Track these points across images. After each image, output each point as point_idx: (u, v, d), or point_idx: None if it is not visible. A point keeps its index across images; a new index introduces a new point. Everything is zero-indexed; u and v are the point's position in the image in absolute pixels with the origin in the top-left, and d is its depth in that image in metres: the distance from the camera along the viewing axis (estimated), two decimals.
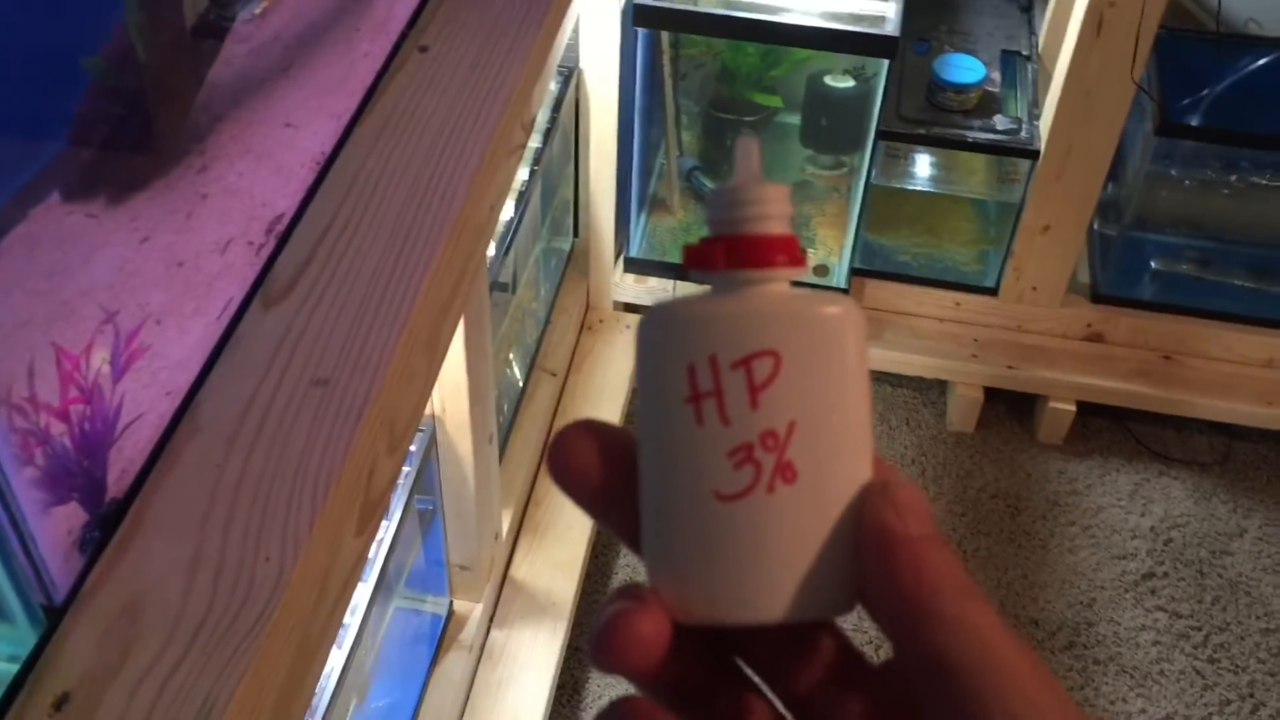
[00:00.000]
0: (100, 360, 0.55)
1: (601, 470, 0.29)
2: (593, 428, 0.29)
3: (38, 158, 0.54)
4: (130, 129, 0.61)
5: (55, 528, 0.52)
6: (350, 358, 0.63)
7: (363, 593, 1.00)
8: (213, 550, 0.54)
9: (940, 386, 1.73)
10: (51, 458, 0.51)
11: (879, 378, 1.72)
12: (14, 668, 0.50)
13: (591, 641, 0.28)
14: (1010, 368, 1.63)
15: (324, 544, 0.58)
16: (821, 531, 0.28)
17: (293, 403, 0.61)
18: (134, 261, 0.60)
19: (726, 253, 0.29)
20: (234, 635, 0.51)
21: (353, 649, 0.97)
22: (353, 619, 0.99)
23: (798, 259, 0.29)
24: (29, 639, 0.51)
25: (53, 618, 0.52)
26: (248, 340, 0.63)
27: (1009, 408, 1.71)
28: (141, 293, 0.59)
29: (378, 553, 1.03)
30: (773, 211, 0.29)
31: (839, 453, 0.28)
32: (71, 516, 0.53)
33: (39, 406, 0.50)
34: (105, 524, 0.55)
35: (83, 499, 0.54)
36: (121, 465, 0.56)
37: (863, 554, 0.28)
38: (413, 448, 1.07)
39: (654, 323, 0.29)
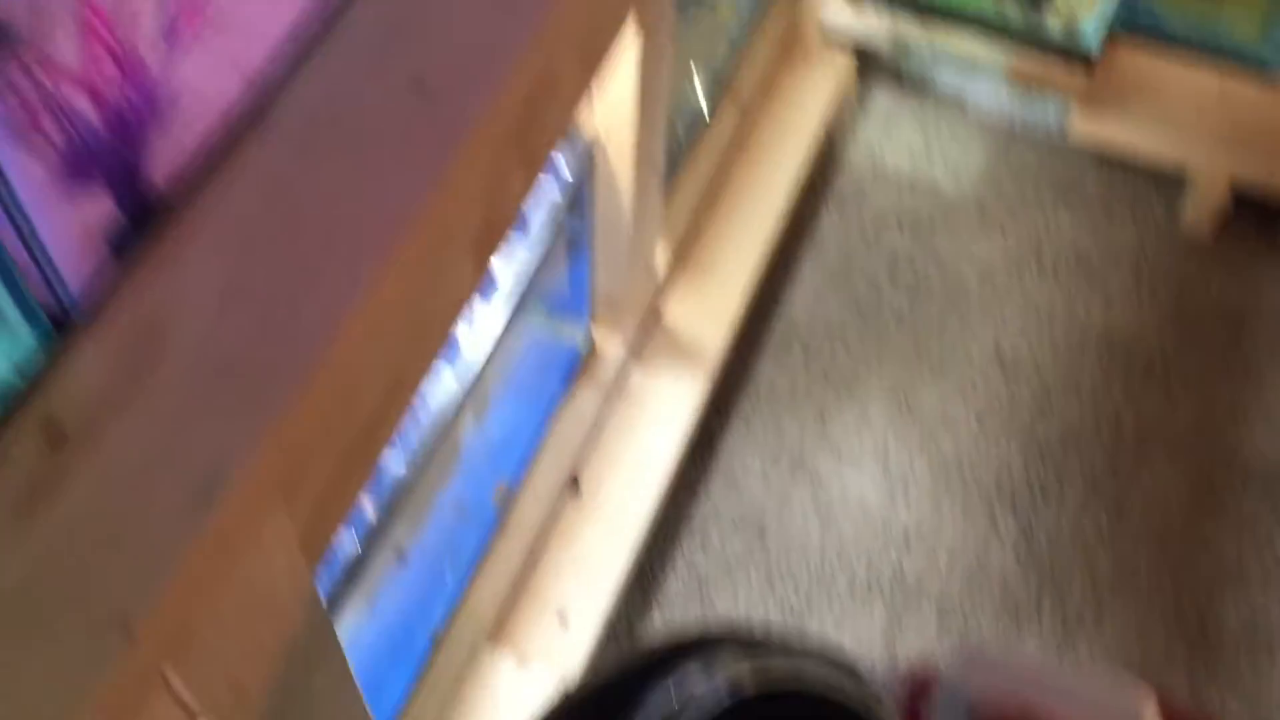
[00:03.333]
0: (151, 18, 0.44)
1: None
2: None
3: None
4: None
5: (71, 222, 0.43)
6: (465, 57, 0.51)
7: (493, 309, 0.92)
8: (261, 277, 0.45)
9: (1178, 183, 1.50)
10: (68, 135, 0.41)
11: (1107, 159, 1.50)
12: (12, 382, 0.42)
13: None
14: (1272, 173, 1.40)
15: (402, 282, 0.48)
16: None
17: (389, 106, 0.49)
18: None
19: None
20: (270, 383, 0.42)
21: (479, 369, 0.90)
22: (477, 336, 0.91)
23: None
24: (28, 353, 0.42)
25: (59, 329, 0.43)
26: (347, 23, 0.52)
27: (1257, 218, 1.49)
28: None
29: (513, 270, 0.94)
30: None
31: None
32: (92, 211, 0.44)
33: (53, 69, 0.40)
34: (138, 224, 0.46)
35: (114, 190, 0.44)
36: (169, 156, 0.46)
37: None
38: (567, 167, 0.96)
39: None
